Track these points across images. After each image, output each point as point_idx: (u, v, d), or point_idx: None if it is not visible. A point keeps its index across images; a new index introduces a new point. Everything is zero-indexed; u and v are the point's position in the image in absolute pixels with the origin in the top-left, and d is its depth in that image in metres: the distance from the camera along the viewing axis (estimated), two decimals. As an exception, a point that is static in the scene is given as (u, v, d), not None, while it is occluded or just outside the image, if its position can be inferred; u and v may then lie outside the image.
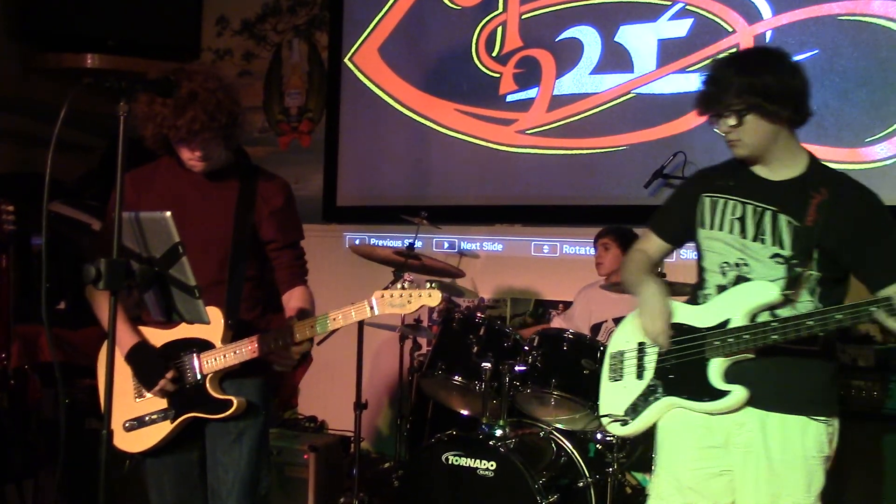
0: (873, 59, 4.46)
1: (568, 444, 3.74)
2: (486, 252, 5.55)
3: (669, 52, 4.99)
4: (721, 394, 2.47)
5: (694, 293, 2.67)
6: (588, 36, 5.23)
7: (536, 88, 5.37)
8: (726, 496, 2.54)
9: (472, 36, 5.58)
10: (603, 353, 2.97)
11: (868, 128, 4.45)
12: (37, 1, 5.92)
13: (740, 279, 2.51)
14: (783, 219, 2.46)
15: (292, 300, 2.83)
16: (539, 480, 3.47)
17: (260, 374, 2.77)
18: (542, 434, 3.83)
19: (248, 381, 2.75)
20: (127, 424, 2.76)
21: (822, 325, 2.31)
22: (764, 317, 2.45)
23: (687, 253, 3.70)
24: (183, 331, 2.73)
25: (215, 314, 2.67)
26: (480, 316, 4.08)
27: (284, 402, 5.47)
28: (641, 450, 3.78)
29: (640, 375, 2.68)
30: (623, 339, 2.77)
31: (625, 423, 2.67)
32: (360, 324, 4.25)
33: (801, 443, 2.45)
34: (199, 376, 2.71)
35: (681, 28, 4.94)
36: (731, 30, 4.78)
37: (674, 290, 3.87)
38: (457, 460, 3.60)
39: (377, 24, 5.92)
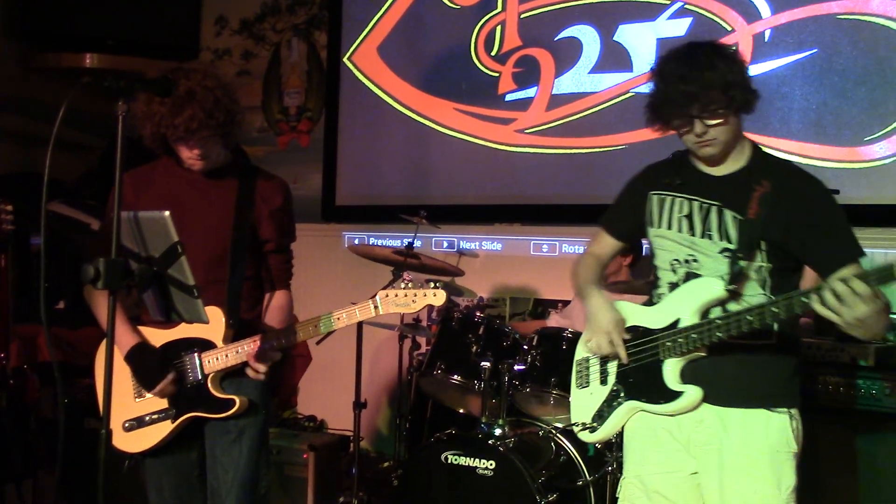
0: (872, 58, 4.46)
1: (567, 444, 3.74)
2: (485, 251, 5.54)
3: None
4: (675, 395, 2.47)
5: (650, 292, 2.67)
6: (587, 35, 5.23)
7: (535, 88, 5.37)
8: (695, 500, 2.51)
9: (471, 35, 5.58)
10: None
11: (867, 127, 4.44)
12: (36, 0, 5.92)
13: (690, 275, 2.50)
14: (728, 214, 2.45)
15: (272, 305, 2.85)
16: (538, 479, 3.47)
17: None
18: (541, 433, 3.83)
19: (248, 381, 2.75)
20: (126, 424, 2.76)
21: (759, 318, 2.29)
22: (716, 313, 2.44)
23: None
24: (184, 330, 2.73)
25: (216, 314, 2.67)
26: (479, 315, 4.07)
27: (284, 402, 5.47)
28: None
29: (603, 381, 2.67)
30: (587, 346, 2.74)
31: (593, 429, 2.67)
32: (360, 323, 4.25)
33: (765, 436, 2.42)
34: (200, 376, 2.71)
35: (680, 27, 4.93)
36: (729, 29, 4.78)
37: (633, 288, 3.89)
38: (456, 459, 3.60)
39: (376, 23, 5.91)
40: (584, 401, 2.72)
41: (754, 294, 2.43)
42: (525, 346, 3.85)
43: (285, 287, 2.93)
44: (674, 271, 2.54)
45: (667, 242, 2.56)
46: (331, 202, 6.07)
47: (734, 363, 2.44)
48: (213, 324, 2.66)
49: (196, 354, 2.72)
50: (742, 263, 2.41)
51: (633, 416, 2.62)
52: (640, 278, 4.55)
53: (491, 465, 3.53)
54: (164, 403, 2.74)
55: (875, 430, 3.51)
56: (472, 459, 3.56)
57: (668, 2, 4.96)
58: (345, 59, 6.02)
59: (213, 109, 2.60)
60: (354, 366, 4.34)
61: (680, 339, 2.44)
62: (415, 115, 5.76)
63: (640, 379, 2.56)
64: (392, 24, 5.87)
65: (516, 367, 3.77)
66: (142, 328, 2.79)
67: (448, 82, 5.66)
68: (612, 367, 2.64)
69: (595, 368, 2.70)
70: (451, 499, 3.60)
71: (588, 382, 2.72)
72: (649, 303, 2.64)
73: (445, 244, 5.61)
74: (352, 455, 4.42)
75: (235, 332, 2.72)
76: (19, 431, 3.95)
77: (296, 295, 3.00)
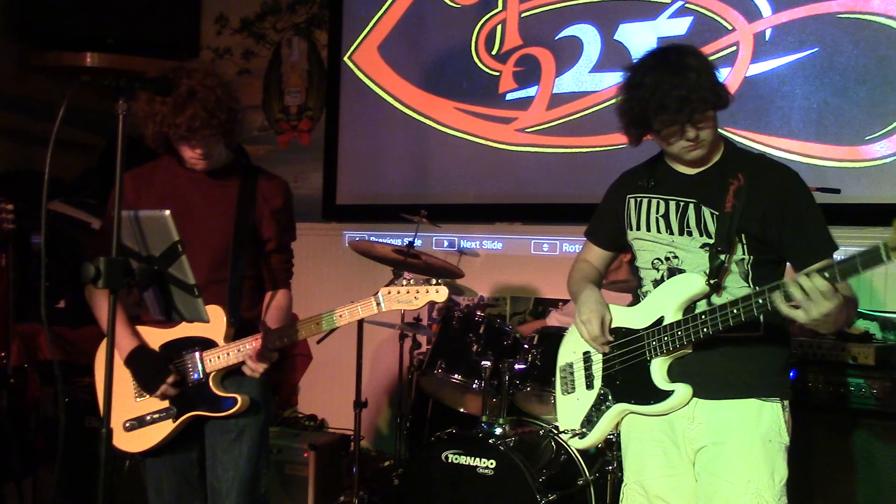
0: (873, 57, 4.45)
1: (562, 439, 3.74)
2: (485, 250, 5.54)
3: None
4: (665, 394, 2.44)
5: (635, 293, 2.66)
6: (587, 34, 5.22)
7: (536, 87, 5.37)
8: (697, 501, 2.47)
9: (472, 34, 5.58)
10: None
11: (868, 126, 4.44)
12: (36, -1, 5.92)
13: (673, 272, 2.49)
14: (706, 210, 2.44)
15: (272, 304, 2.85)
16: (539, 479, 3.47)
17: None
18: (541, 432, 3.83)
19: (249, 379, 2.75)
20: (127, 424, 2.76)
21: (746, 310, 2.26)
22: (701, 307, 2.42)
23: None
24: (185, 329, 2.73)
25: (217, 312, 2.68)
26: (480, 314, 4.07)
27: (284, 401, 5.47)
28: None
29: (589, 385, 2.64)
30: (570, 351, 2.74)
31: (582, 435, 2.64)
32: (360, 322, 4.25)
33: (757, 426, 2.40)
34: (201, 375, 2.71)
35: (680, 26, 4.93)
36: (730, 28, 4.78)
37: (631, 286, 3.88)
38: (456, 458, 3.59)
39: (377, 22, 5.91)
40: (572, 407, 2.69)
41: (739, 287, 2.42)
42: (525, 346, 3.85)
43: (286, 286, 2.94)
44: (656, 269, 2.53)
45: (646, 243, 2.56)
46: (331, 201, 6.06)
47: (722, 356, 2.42)
48: (215, 322, 2.66)
49: (197, 353, 2.72)
50: (722, 257, 2.40)
51: (624, 419, 2.60)
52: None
53: (491, 464, 3.53)
54: (165, 403, 2.74)
55: (872, 429, 3.50)
56: (473, 459, 3.56)
57: (669, 1, 4.96)
58: (345, 58, 6.02)
59: (214, 108, 2.60)
60: (355, 365, 4.34)
61: (666, 338, 2.43)
62: (415, 114, 5.76)
63: (627, 381, 2.54)
64: (393, 24, 5.86)
65: (517, 367, 3.77)
66: (142, 327, 2.79)
67: (448, 81, 5.66)
68: (598, 371, 2.62)
69: (580, 374, 2.68)
70: (451, 498, 3.60)
71: (573, 388, 2.69)
72: (634, 303, 2.62)
73: (446, 243, 5.61)
74: (352, 454, 4.42)
75: (236, 331, 2.72)
76: (20, 430, 3.95)
77: (296, 294, 3.00)
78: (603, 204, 2.78)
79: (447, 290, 2.60)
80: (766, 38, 4.71)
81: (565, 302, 4.86)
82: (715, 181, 2.45)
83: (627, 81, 2.47)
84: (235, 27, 6.46)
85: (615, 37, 5.13)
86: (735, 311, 2.27)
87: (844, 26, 4.51)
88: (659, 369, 2.46)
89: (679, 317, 2.42)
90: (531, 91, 5.39)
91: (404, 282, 2.62)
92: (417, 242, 4.65)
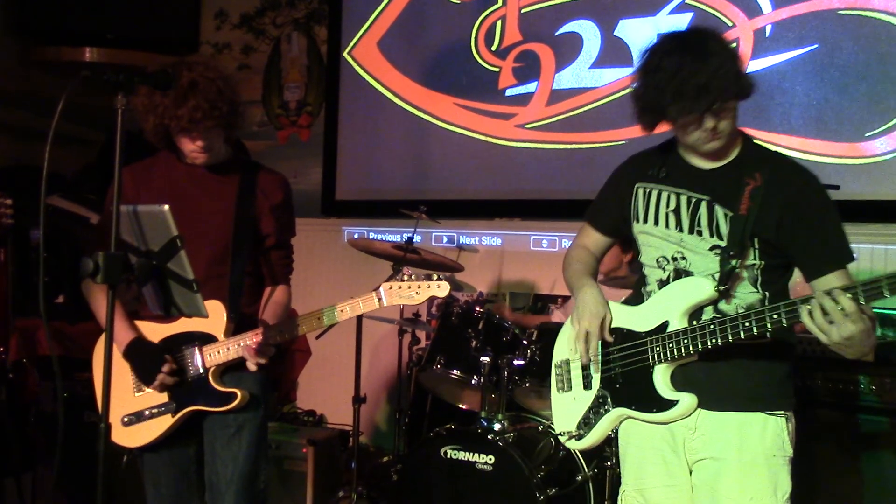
0: (873, 54, 4.45)
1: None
2: (485, 246, 5.54)
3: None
4: (669, 404, 2.33)
5: (637, 289, 2.53)
6: (587, 30, 5.22)
7: (536, 83, 5.37)
8: None
9: (472, 30, 5.57)
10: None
11: (868, 122, 4.44)
12: (35, -6, 5.92)
13: (679, 273, 2.37)
14: (719, 209, 2.31)
15: (270, 299, 2.85)
16: (537, 474, 3.48)
17: (260, 368, 2.77)
18: (540, 428, 3.83)
19: (249, 375, 2.75)
20: (125, 419, 2.76)
21: (760, 325, 2.14)
22: (708, 313, 2.32)
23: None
24: (184, 324, 2.73)
25: (217, 307, 2.67)
26: (479, 310, 4.07)
27: (283, 397, 5.47)
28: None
29: (587, 385, 2.52)
30: (566, 347, 2.61)
31: (579, 437, 2.53)
32: (359, 318, 4.25)
33: (761, 440, 2.30)
34: (201, 369, 2.71)
35: (681, 22, 4.92)
36: (730, 24, 4.77)
37: (630, 284, 3.86)
38: (455, 454, 3.60)
39: (376, 17, 5.91)
40: (568, 406, 2.57)
41: (748, 292, 2.32)
42: (525, 341, 3.85)
43: (285, 282, 2.93)
44: (662, 269, 2.41)
45: (653, 239, 2.43)
46: (331, 197, 6.06)
47: (727, 365, 2.31)
48: (214, 317, 2.66)
49: (196, 348, 2.72)
50: (733, 262, 2.27)
51: (623, 422, 2.50)
52: (635, 273, 4.55)
53: (490, 459, 3.53)
54: (163, 398, 2.74)
55: (873, 425, 3.50)
56: (472, 454, 3.56)
57: (669, -3, 4.96)
58: (345, 54, 6.02)
59: (216, 100, 2.60)
60: (354, 361, 4.34)
61: (671, 345, 2.31)
62: (415, 109, 5.76)
63: (627, 385, 2.43)
64: (392, 19, 5.86)
65: (516, 362, 3.77)
66: (141, 323, 2.79)
67: (448, 77, 5.65)
68: (596, 372, 2.50)
69: (577, 372, 2.56)
70: (450, 493, 3.61)
71: (570, 386, 2.57)
72: (636, 301, 2.50)
73: (445, 239, 5.61)
74: (351, 450, 4.43)
75: (236, 326, 2.72)
76: (19, 425, 3.96)
77: (295, 289, 3.00)
78: (608, 187, 2.62)
79: (448, 285, 2.60)
80: (767, 35, 4.71)
81: (565, 298, 4.86)
82: (730, 179, 2.32)
83: (644, 64, 2.29)
84: (235, 22, 6.46)
85: (615, 33, 5.13)
86: (747, 324, 2.17)
87: (845, 23, 4.51)
88: (662, 377, 2.35)
89: (685, 323, 2.32)
90: (531, 87, 5.38)
91: (405, 277, 2.62)
92: (417, 238, 4.65)
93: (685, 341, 2.29)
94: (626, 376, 2.43)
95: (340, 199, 6.05)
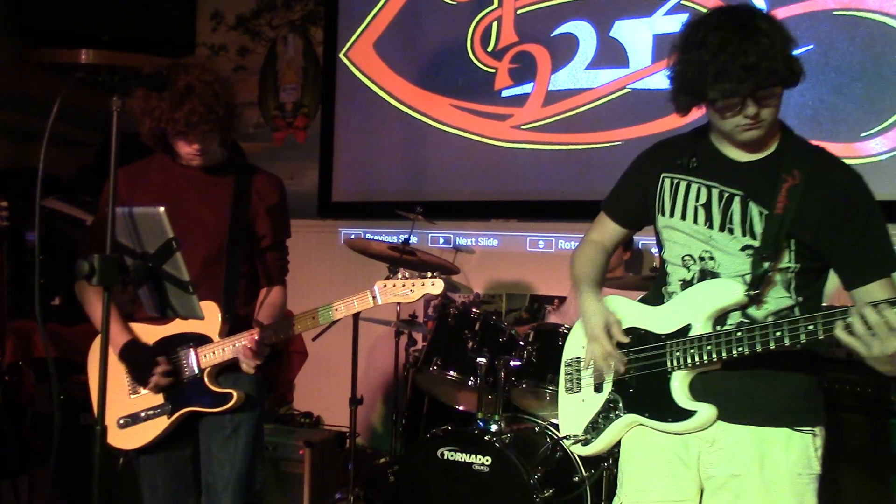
0: (868, 54, 4.46)
1: (559, 436, 3.74)
2: (481, 247, 5.54)
3: (665, 47, 4.91)
4: (686, 413, 2.15)
5: (657, 288, 2.33)
6: (583, 31, 5.22)
7: (532, 84, 5.37)
8: None
9: (468, 31, 5.57)
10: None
11: (863, 122, 4.45)
12: (31, -4, 5.91)
13: (705, 274, 2.18)
14: (753, 207, 2.12)
15: (266, 301, 2.85)
16: (534, 475, 3.48)
17: (256, 369, 2.77)
18: (537, 429, 3.83)
19: (244, 375, 2.75)
20: (121, 421, 2.76)
21: (793, 336, 1.96)
22: (734, 318, 2.14)
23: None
24: (179, 326, 2.73)
25: (212, 308, 2.67)
26: (476, 311, 4.07)
27: (280, 398, 5.47)
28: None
29: (598, 388, 2.35)
30: (579, 345, 2.43)
31: (586, 442, 2.36)
32: (356, 319, 4.25)
33: (786, 458, 2.12)
34: (196, 370, 2.71)
35: (676, 23, 4.92)
36: (726, 25, 4.77)
37: (626, 284, 3.87)
38: (452, 455, 3.60)
39: (372, 19, 5.91)
40: (576, 408, 2.41)
41: (780, 297, 2.13)
42: (521, 343, 3.85)
43: (281, 283, 2.94)
44: (686, 268, 2.21)
45: (679, 235, 2.23)
46: (327, 198, 6.06)
47: (751, 375, 2.13)
48: (209, 319, 2.66)
49: (192, 349, 2.72)
50: (766, 264, 2.09)
51: (631, 430, 2.32)
52: (633, 273, 4.55)
53: (487, 461, 3.53)
54: (159, 399, 2.74)
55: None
56: (469, 455, 3.56)
57: (665, -3, 4.97)
58: (341, 55, 6.02)
59: (212, 103, 2.60)
60: (351, 362, 4.33)
61: (692, 350, 2.13)
62: (411, 111, 5.76)
63: (642, 390, 2.24)
64: (388, 20, 5.86)
65: (512, 364, 3.77)
66: (137, 324, 2.79)
67: (444, 78, 5.66)
68: (609, 374, 2.34)
69: (588, 372, 2.40)
70: (447, 495, 3.60)
71: (579, 388, 2.41)
72: (655, 301, 2.31)
73: (442, 240, 5.61)
74: (348, 451, 4.42)
75: (231, 328, 2.72)
76: (15, 427, 3.95)
77: (291, 291, 3.00)
78: (630, 175, 2.42)
79: (443, 283, 2.59)
80: (762, 35, 4.70)
81: (561, 299, 4.87)
82: (767, 174, 2.13)
83: (685, 39, 2.10)
84: (231, 24, 6.46)
85: (611, 33, 5.13)
86: (779, 333, 1.98)
87: (840, 23, 4.52)
88: (681, 384, 2.17)
89: (709, 328, 2.13)
90: (527, 88, 5.39)
91: (399, 275, 2.62)
92: (413, 239, 4.65)
93: (708, 347, 2.10)
94: (640, 381, 2.25)
95: (337, 200, 6.05)
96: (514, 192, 5.46)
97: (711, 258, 2.17)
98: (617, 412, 2.30)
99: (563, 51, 5.28)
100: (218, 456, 2.75)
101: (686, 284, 2.22)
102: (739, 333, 2.05)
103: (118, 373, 2.74)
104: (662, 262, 2.31)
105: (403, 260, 4.34)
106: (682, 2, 4.91)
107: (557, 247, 5.27)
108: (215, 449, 2.75)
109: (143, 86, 2.47)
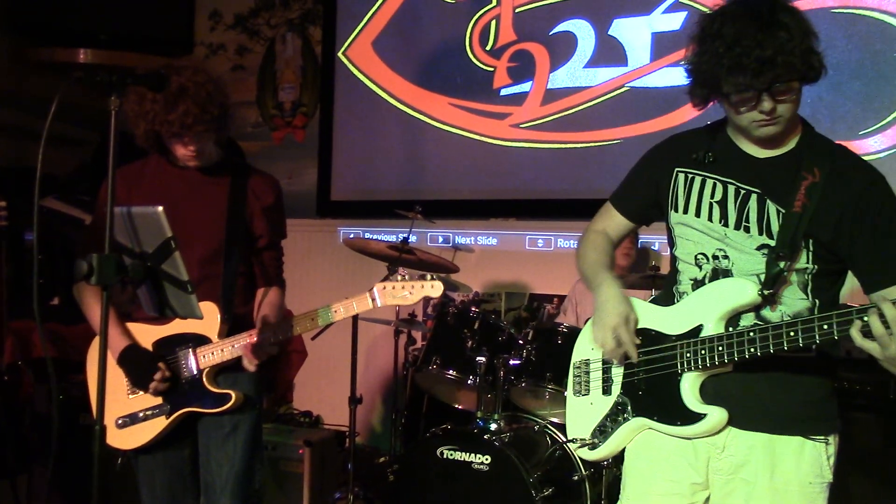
0: (867, 52, 4.46)
1: (562, 438, 3.74)
2: (480, 246, 5.54)
3: (663, 45, 4.99)
4: (696, 417, 2.09)
5: (668, 288, 2.27)
6: (582, 29, 5.23)
7: (530, 82, 5.37)
8: None
9: (466, 30, 5.58)
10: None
11: (862, 120, 4.45)
12: (29, -5, 5.91)
13: (718, 273, 2.12)
14: (771, 205, 2.06)
15: (265, 301, 2.85)
16: (534, 474, 3.47)
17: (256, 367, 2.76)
18: (536, 428, 3.83)
19: (243, 375, 2.74)
20: (119, 421, 2.75)
21: (807, 337, 1.89)
22: (748, 319, 2.08)
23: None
24: (178, 326, 2.73)
25: (210, 309, 2.67)
26: (475, 310, 4.07)
27: (279, 398, 5.47)
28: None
29: (606, 391, 2.29)
30: (588, 346, 2.36)
31: (593, 446, 2.30)
32: (355, 319, 4.25)
33: (797, 467, 2.06)
34: (195, 371, 2.70)
35: (674, 21, 4.93)
36: (724, 23, 4.77)
37: (627, 282, 3.86)
38: (451, 454, 3.59)
39: (371, 18, 5.91)
40: (584, 412, 2.34)
41: (796, 298, 2.06)
42: (520, 341, 3.85)
43: (279, 283, 2.93)
44: (699, 267, 2.15)
45: (692, 232, 2.16)
46: (326, 197, 6.07)
47: (765, 379, 2.07)
48: (208, 319, 2.65)
49: (190, 350, 2.71)
50: (782, 264, 2.02)
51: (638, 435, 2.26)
52: (634, 271, 4.55)
53: (486, 459, 3.53)
54: (157, 399, 2.73)
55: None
56: (468, 454, 3.56)
57: (663, -4, 4.96)
58: (339, 54, 6.02)
59: (206, 104, 2.60)
60: (350, 361, 4.33)
61: (703, 351, 2.06)
62: (410, 109, 5.76)
63: (651, 393, 2.18)
64: (387, 19, 5.86)
65: (511, 362, 3.77)
66: (135, 324, 2.78)
67: (443, 77, 5.66)
68: (618, 376, 2.26)
69: (597, 374, 2.32)
70: (446, 494, 3.60)
71: (588, 390, 2.34)
72: (666, 301, 2.25)
73: (441, 239, 5.61)
74: (347, 450, 4.42)
75: (230, 328, 2.72)
76: (14, 427, 3.95)
77: (290, 290, 3.00)
78: (641, 168, 2.35)
79: (442, 285, 2.59)
80: (761, 33, 4.70)
81: (560, 298, 4.86)
82: (786, 171, 2.06)
83: (701, 30, 2.03)
84: (229, 23, 6.46)
85: (609, 32, 5.13)
86: (792, 333, 1.91)
87: (838, 21, 4.52)
88: (691, 386, 2.11)
89: (721, 329, 2.07)
90: (525, 86, 5.39)
91: (399, 277, 2.62)
92: (412, 238, 4.65)
93: (720, 348, 2.03)
94: (650, 383, 2.18)
95: (336, 199, 6.05)
96: (513, 191, 5.46)
97: (725, 256, 2.11)
98: (625, 415, 2.24)
99: (562, 49, 5.28)
100: (216, 455, 2.75)
101: (697, 284, 2.16)
102: (752, 334, 1.98)
103: (117, 373, 2.73)
104: (674, 259, 2.26)
105: (402, 259, 4.34)
106: (680, 0, 4.91)
107: (556, 245, 5.27)
108: (214, 448, 2.75)
109: (140, 85, 2.45)
